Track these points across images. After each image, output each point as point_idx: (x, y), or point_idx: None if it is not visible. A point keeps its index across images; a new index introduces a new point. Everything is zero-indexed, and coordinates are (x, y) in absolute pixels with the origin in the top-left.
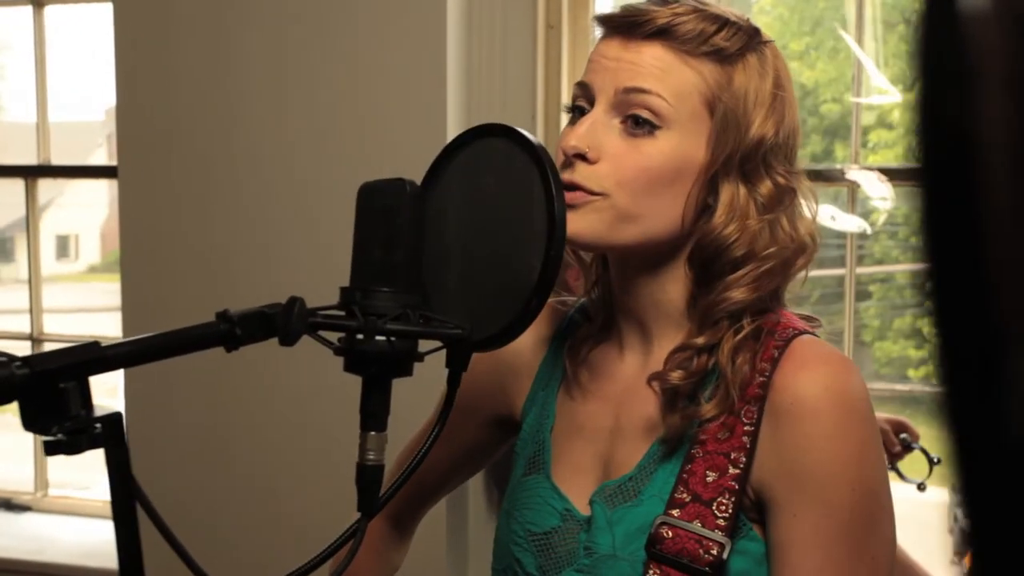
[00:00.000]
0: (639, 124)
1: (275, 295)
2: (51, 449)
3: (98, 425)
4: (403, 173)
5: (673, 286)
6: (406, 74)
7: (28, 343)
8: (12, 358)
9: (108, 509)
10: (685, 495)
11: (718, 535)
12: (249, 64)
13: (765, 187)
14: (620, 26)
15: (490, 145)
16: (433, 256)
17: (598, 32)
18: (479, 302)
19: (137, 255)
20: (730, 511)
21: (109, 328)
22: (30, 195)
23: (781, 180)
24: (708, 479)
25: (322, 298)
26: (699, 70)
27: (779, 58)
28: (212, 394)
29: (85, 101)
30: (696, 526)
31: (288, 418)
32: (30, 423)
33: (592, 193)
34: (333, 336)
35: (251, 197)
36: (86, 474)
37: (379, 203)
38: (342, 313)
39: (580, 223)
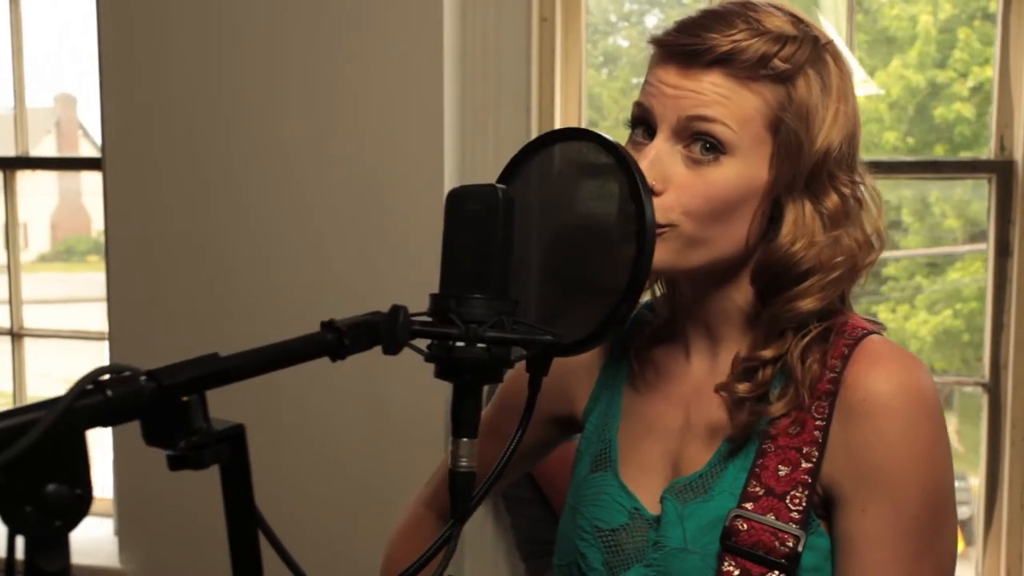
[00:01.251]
0: (703, 151)
1: (264, 284)
2: (176, 464)
3: (223, 440)
4: (398, 164)
5: (738, 295)
6: (402, 65)
7: (8, 338)
8: (137, 371)
9: (102, 506)
10: (758, 488)
11: (792, 527)
12: (241, 51)
13: (831, 201)
14: (679, 54)
15: (569, 149)
16: (515, 260)
17: (654, 52)
18: (562, 306)
19: (123, 246)
20: (803, 504)
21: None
22: (8, 188)
23: (846, 190)
24: (780, 473)
25: (311, 287)
26: (760, 93)
27: (840, 61)
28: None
29: (31, 88)
30: (770, 519)
31: (284, 414)
32: (152, 438)
33: (660, 225)
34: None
35: (241, 186)
36: None
37: (471, 209)
38: (428, 319)
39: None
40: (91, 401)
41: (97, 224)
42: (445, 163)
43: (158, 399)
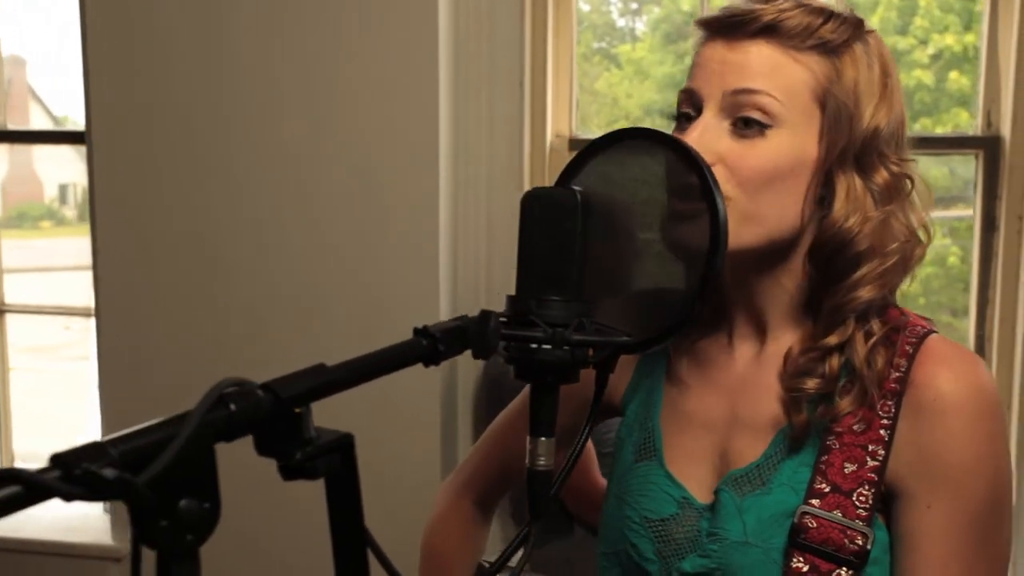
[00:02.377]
0: (750, 124)
1: (254, 260)
2: (289, 474)
3: (334, 450)
4: (394, 140)
5: (789, 281)
6: (397, 44)
7: None
8: (252, 384)
9: None
10: (824, 485)
11: (859, 525)
12: (232, 23)
13: (881, 177)
14: (724, 27)
15: (631, 148)
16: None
17: (700, 35)
18: (632, 305)
19: (110, 223)
20: (870, 502)
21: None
22: None
23: (895, 168)
24: (847, 470)
25: (304, 262)
26: (807, 64)
27: (883, 46)
28: (186, 368)
29: None
30: (837, 515)
31: None
32: (265, 448)
33: None
34: None
35: (232, 159)
36: (53, 444)
37: (549, 212)
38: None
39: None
40: (217, 416)
41: (50, 191)
42: (440, 139)
43: (275, 411)
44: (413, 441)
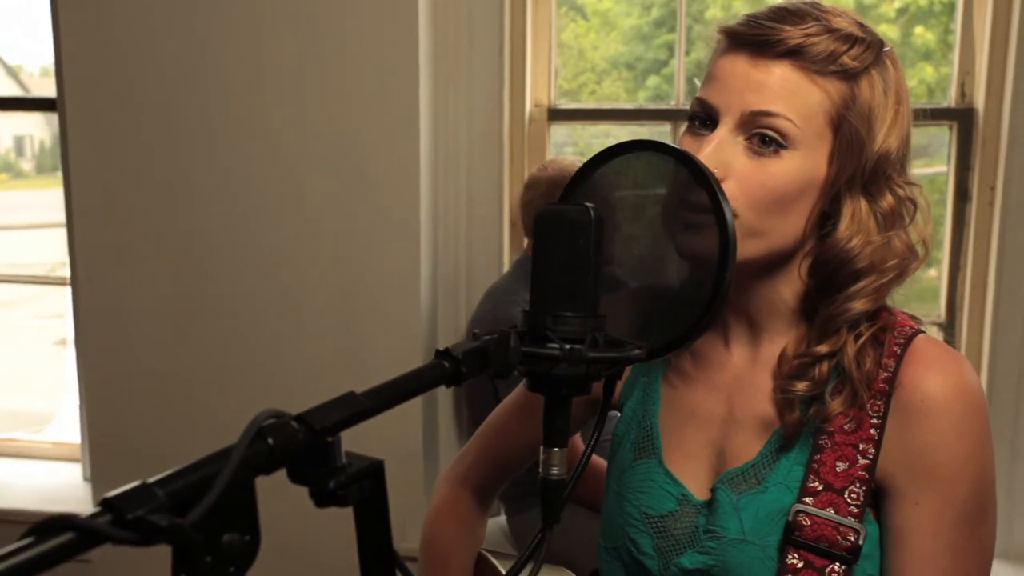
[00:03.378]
0: (766, 143)
1: (233, 225)
2: (324, 501)
3: (366, 477)
4: (375, 108)
5: (786, 288)
6: (376, 9)
7: None
8: (286, 416)
9: (59, 451)
10: (817, 484)
11: (851, 521)
12: None
13: (887, 202)
14: (749, 43)
15: (641, 160)
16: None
17: (721, 42)
18: (642, 315)
19: (84, 189)
20: (861, 499)
21: None
22: None
23: (900, 192)
24: (838, 469)
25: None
26: (826, 88)
27: (898, 66)
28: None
29: None
30: (830, 513)
31: (246, 370)
32: (298, 476)
33: None
34: None
35: (212, 122)
36: (32, 414)
37: (565, 229)
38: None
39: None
40: (256, 450)
41: (4, 142)
42: (420, 109)
43: (309, 442)
44: (395, 432)
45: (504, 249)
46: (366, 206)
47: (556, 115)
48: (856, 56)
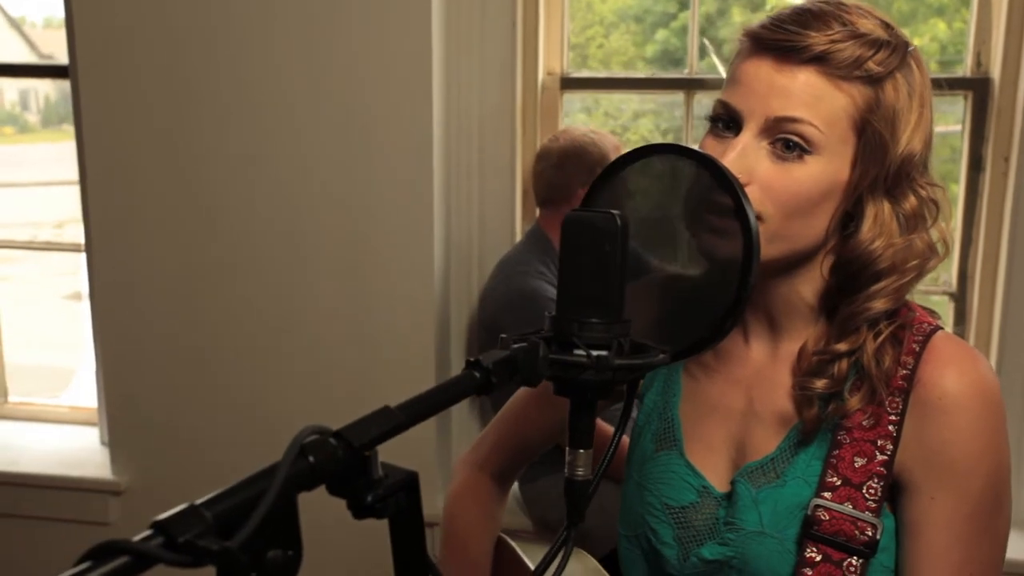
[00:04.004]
0: (790, 148)
1: (245, 196)
2: (361, 513)
3: (401, 491)
4: (388, 77)
5: (807, 286)
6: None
7: None
8: (325, 432)
9: (76, 415)
10: (835, 479)
11: (869, 516)
12: None
13: (909, 204)
14: (774, 48)
15: (664, 163)
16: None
17: (745, 44)
18: (666, 317)
19: (100, 158)
20: (879, 494)
21: None
22: None
23: (923, 192)
24: (856, 464)
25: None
26: (850, 93)
27: (922, 67)
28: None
29: None
30: (848, 508)
31: (265, 338)
32: (336, 490)
33: None
34: None
35: (223, 92)
36: (46, 380)
37: (591, 237)
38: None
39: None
40: (298, 468)
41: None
42: (433, 77)
43: (348, 458)
44: (404, 383)
45: (516, 219)
46: (378, 176)
47: (569, 84)
48: (881, 61)
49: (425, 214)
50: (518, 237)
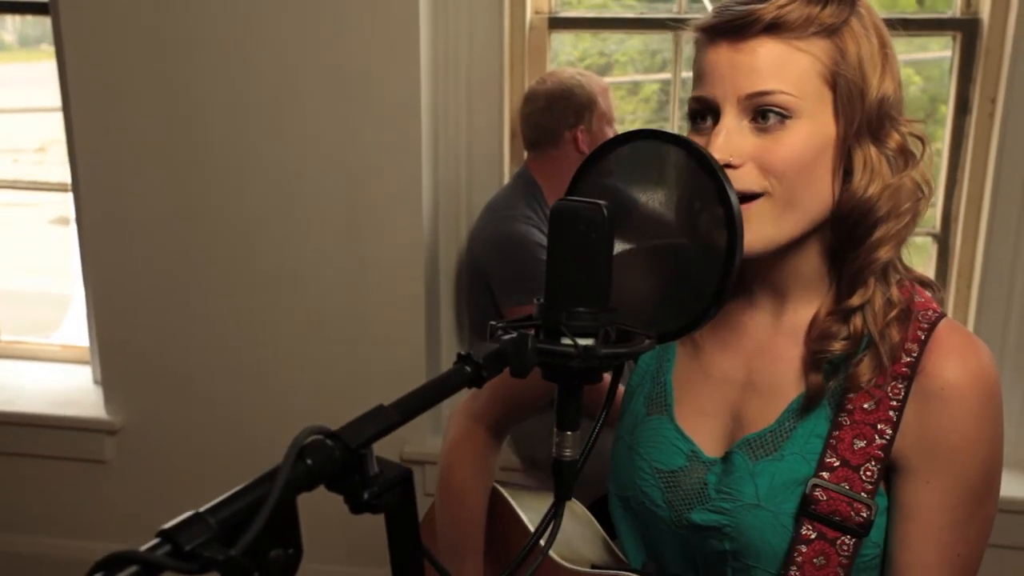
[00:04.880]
0: (767, 116)
1: (235, 136)
2: (358, 509)
3: (396, 487)
4: (375, 17)
5: (812, 254)
6: None
7: None
8: (323, 432)
9: (68, 354)
10: (834, 460)
11: (865, 497)
12: None
13: (894, 141)
14: (726, 30)
15: (646, 148)
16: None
17: (700, 39)
18: (652, 301)
19: (83, 100)
20: (875, 477)
21: None
22: None
23: (905, 128)
24: (856, 446)
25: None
26: (811, 52)
27: (874, 14)
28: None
29: None
30: (845, 488)
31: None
32: (333, 486)
33: (752, 195)
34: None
35: (210, 36)
36: (39, 317)
37: (578, 227)
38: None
39: (748, 233)
40: (297, 472)
41: None
42: (420, 16)
43: (344, 458)
44: (396, 317)
45: (504, 160)
46: (367, 116)
47: (557, 23)
48: (832, 12)
49: (414, 154)
50: (506, 177)
